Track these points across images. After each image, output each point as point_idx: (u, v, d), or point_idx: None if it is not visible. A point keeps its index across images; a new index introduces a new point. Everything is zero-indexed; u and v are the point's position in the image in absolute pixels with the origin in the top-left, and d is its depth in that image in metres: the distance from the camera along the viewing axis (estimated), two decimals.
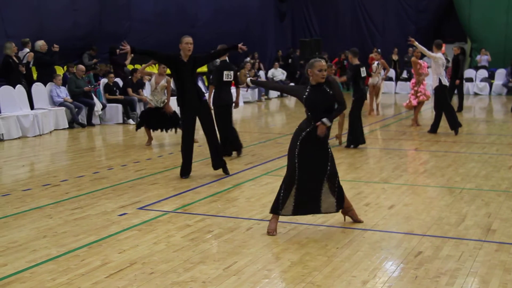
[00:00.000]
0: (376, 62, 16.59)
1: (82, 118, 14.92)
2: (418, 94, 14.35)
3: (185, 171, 8.76)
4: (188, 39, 8.65)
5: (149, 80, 12.52)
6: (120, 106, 15.63)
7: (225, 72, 10.35)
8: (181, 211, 7.02)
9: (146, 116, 12.03)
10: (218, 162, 8.86)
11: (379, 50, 17.53)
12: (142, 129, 12.25)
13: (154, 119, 11.89)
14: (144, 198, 7.61)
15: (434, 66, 12.98)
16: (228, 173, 8.91)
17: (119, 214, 6.84)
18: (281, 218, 6.66)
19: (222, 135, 10.16)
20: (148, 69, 14.27)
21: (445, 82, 12.98)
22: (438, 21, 27.76)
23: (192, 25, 21.93)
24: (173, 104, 11.16)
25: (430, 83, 14.82)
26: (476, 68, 25.36)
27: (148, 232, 6.15)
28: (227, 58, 10.45)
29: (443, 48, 14.10)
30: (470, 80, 24.92)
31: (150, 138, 12.07)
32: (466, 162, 9.98)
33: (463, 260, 5.29)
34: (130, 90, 15.87)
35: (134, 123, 15.41)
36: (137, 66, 18.38)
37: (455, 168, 9.41)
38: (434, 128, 13.24)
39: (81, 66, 15.41)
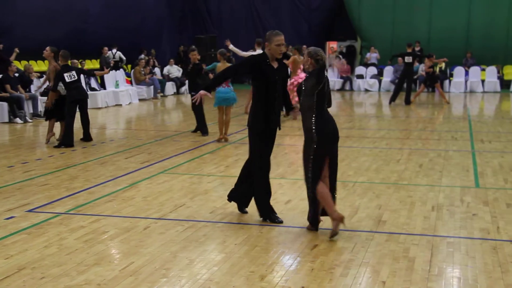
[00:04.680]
0: None
1: None
2: None
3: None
4: (280, 38, 6.13)
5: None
6: (5, 104, 14.79)
7: (65, 74, 11.20)
8: (74, 212, 6.75)
9: (56, 106, 11.61)
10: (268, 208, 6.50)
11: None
12: (33, 127, 11.72)
13: (62, 109, 11.55)
14: (34, 200, 7.25)
15: None
16: (279, 221, 6.36)
17: (5, 217, 6.47)
18: (179, 216, 6.59)
19: (70, 125, 11.22)
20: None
21: None
22: (330, 20, 28.65)
23: (84, 21, 21.21)
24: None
25: None
26: (366, 65, 26.40)
27: (38, 235, 5.86)
28: (68, 63, 11.64)
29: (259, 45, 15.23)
30: (360, 77, 25.91)
31: (53, 133, 11.64)
32: (358, 156, 10.34)
33: (356, 251, 5.47)
34: (8, 87, 15.02)
35: (21, 122, 14.68)
36: (23, 62, 17.55)
37: (348, 163, 9.72)
38: None
39: None
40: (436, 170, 9.08)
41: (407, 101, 19.31)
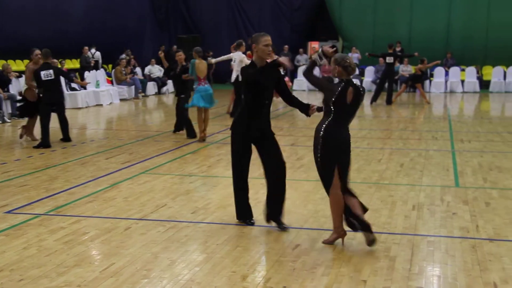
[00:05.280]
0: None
1: None
2: None
3: (246, 214, 6.32)
4: (267, 38, 5.99)
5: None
6: None
7: (42, 73, 11.05)
8: (54, 213, 6.68)
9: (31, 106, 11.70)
10: (274, 211, 6.15)
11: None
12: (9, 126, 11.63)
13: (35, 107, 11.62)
14: (12, 201, 7.16)
15: (237, 63, 14.82)
16: (283, 228, 6.10)
17: None
18: (160, 216, 6.56)
19: (45, 126, 11.02)
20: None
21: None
22: (312, 20, 28.72)
23: (65, 21, 21.01)
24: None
25: None
26: None
27: (17, 237, 5.79)
28: (45, 59, 11.25)
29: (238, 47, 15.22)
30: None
31: (25, 130, 11.79)
32: None
33: (338, 250, 5.49)
34: None
35: None
36: (1, 62, 17.33)
37: None
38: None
39: None
40: (417, 170, 9.15)
41: (389, 101, 19.44)
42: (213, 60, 15.94)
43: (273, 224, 6.17)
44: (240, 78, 13.39)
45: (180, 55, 12.40)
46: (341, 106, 5.47)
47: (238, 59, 14.90)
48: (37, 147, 10.96)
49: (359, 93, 5.52)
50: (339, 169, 5.57)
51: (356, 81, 5.78)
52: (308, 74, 5.74)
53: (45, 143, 10.99)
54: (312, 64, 5.73)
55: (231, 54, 15.61)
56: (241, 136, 6.05)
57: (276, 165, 6.09)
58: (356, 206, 5.59)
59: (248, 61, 13.75)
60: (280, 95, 6.24)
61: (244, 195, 6.26)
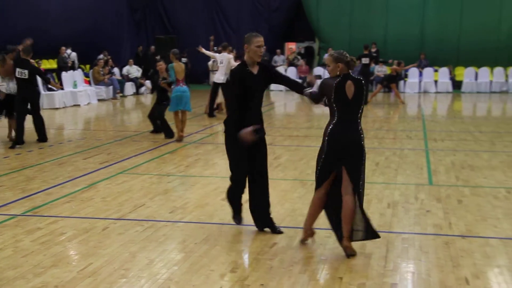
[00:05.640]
0: (212, 60, 16.77)
1: None
2: None
3: (240, 212, 6.32)
4: (260, 39, 5.83)
5: None
6: None
7: (17, 69, 11.02)
8: (30, 213, 6.66)
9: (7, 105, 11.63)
10: (265, 219, 6.14)
11: (215, 48, 18.07)
12: None
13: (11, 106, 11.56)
14: None
15: (225, 64, 14.93)
16: (278, 231, 6.07)
17: None
18: (138, 216, 6.59)
19: (20, 124, 11.08)
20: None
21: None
22: (290, 21, 28.86)
23: (42, 20, 20.80)
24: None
25: None
26: (324, 66, 26.65)
27: None
28: (25, 56, 11.18)
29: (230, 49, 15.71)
30: (319, 77, 26.13)
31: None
32: (316, 155, 10.44)
33: (315, 248, 5.57)
34: None
35: None
36: None
37: (307, 161, 9.84)
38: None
39: None
40: (392, 168, 9.29)
41: (364, 101, 19.61)
42: (203, 50, 16.24)
43: (251, 223, 6.24)
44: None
45: (161, 65, 12.16)
46: (342, 102, 5.27)
47: (226, 60, 14.87)
48: (13, 147, 10.88)
49: (359, 85, 5.30)
50: (345, 172, 5.32)
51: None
52: (316, 98, 5.62)
53: (19, 140, 10.93)
54: (317, 94, 5.64)
55: (216, 54, 15.67)
56: (234, 137, 5.89)
57: (259, 174, 6.02)
58: (347, 219, 5.28)
59: (235, 63, 13.89)
60: (284, 85, 6.20)
61: (240, 194, 6.17)
